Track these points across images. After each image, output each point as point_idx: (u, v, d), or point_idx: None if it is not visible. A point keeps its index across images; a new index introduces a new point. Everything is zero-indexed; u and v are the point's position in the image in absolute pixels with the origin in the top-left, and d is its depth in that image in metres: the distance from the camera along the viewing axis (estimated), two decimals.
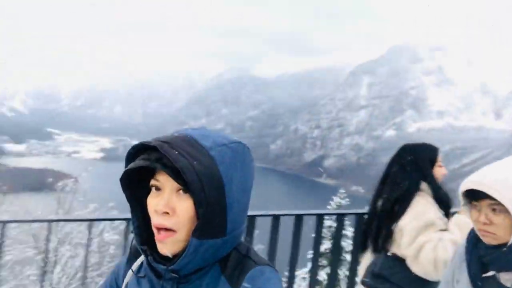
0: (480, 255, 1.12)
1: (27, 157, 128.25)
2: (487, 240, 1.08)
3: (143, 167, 0.72)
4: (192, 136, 0.74)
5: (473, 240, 1.16)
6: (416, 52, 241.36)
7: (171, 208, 0.71)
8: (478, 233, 1.11)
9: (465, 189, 1.10)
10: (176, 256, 0.74)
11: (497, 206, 1.02)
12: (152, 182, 0.75)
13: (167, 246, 0.73)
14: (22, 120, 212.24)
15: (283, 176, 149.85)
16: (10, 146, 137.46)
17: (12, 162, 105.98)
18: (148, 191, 0.76)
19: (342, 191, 14.73)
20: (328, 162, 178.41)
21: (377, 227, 1.86)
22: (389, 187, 1.86)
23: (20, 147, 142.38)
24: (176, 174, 0.69)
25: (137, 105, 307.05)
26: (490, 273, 1.10)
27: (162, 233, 0.72)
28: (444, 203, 1.80)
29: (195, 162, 0.68)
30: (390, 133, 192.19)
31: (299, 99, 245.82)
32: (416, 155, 1.86)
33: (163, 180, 0.73)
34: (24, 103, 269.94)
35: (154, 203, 0.74)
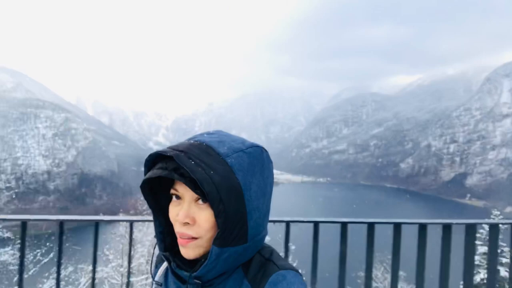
0: None
1: None
2: None
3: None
4: (208, 143, 0.73)
5: None
6: None
7: (192, 218, 0.72)
8: None
9: None
10: (199, 260, 0.75)
11: None
12: (172, 191, 0.75)
13: (189, 250, 0.73)
14: None
15: (418, 197, 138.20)
16: None
17: None
18: (169, 197, 0.77)
19: (496, 212, 12.31)
20: (471, 181, 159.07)
21: None
22: None
23: None
24: (194, 184, 0.69)
25: (260, 132, 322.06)
26: None
27: (185, 238, 0.73)
28: None
29: (212, 172, 0.67)
30: None
31: (427, 113, 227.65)
32: None
33: (182, 190, 0.73)
34: (166, 137, 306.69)
35: (174, 212, 0.75)
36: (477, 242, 2.60)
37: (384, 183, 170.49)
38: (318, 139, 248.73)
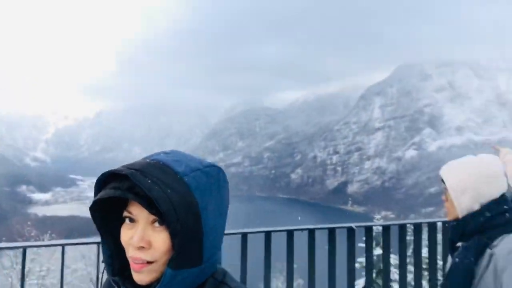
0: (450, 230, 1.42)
1: (54, 205, 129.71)
2: (448, 215, 1.45)
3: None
4: (165, 162, 0.71)
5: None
6: (424, 69, 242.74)
7: (147, 242, 0.68)
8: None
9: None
10: (152, 284, 0.71)
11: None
12: (125, 213, 0.71)
13: (143, 275, 0.70)
14: (46, 168, 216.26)
15: (307, 206, 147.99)
16: (37, 196, 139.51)
17: (41, 211, 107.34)
18: (120, 218, 0.73)
19: (378, 216, 14.54)
20: (351, 188, 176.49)
21: None
22: None
23: (46, 196, 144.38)
24: (150, 204, 0.66)
25: (155, 145, 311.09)
26: (458, 244, 1.39)
27: (139, 263, 0.69)
28: None
29: (169, 191, 0.65)
30: (411, 153, 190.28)
31: (313, 126, 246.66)
32: None
33: (136, 212, 0.70)
34: (46, 152, 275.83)
35: (128, 235, 0.70)
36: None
37: (278, 193, 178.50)
38: (214, 152, 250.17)
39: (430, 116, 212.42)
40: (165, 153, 0.74)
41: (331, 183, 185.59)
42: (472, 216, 1.35)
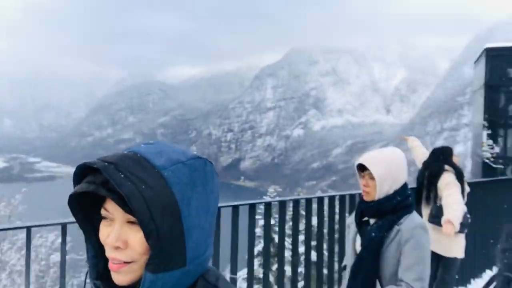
0: (361, 207, 1.80)
1: None
2: (366, 197, 1.74)
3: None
4: (143, 154, 0.64)
5: (360, 198, 1.86)
6: (312, 55, 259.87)
7: (123, 241, 0.62)
8: (362, 193, 1.76)
9: (357, 164, 1.78)
10: (135, 286, 0.65)
11: (372, 175, 1.68)
12: (102, 211, 0.65)
13: (121, 276, 0.64)
14: None
15: None
16: None
17: None
18: (100, 213, 0.67)
19: (271, 190, 16.10)
20: (244, 165, 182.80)
21: (427, 189, 3.24)
22: (430, 169, 3.28)
23: None
24: (124, 201, 0.59)
25: (30, 118, 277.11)
26: (365, 218, 1.79)
27: (116, 263, 0.63)
28: (459, 175, 3.17)
29: (143, 187, 0.59)
30: (298, 132, 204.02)
31: (208, 104, 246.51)
32: (443, 151, 3.39)
33: (112, 209, 0.63)
34: None
35: (105, 233, 0.64)
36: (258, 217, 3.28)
37: None
38: (102, 127, 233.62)
39: (315, 99, 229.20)
40: (147, 144, 0.68)
41: (225, 159, 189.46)
42: (387, 199, 1.66)
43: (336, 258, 3.16)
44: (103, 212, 0.65)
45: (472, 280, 4.47)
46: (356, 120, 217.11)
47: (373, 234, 1.67)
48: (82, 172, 0.65)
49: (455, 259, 3.23)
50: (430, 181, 3.26)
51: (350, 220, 1.92)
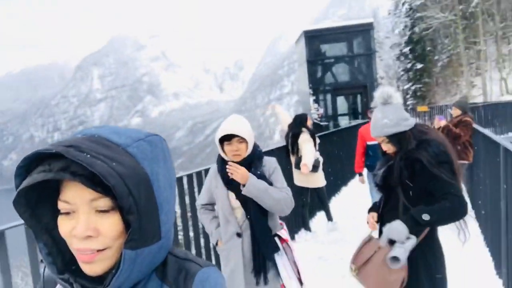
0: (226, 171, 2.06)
1: None
2: (237, 159, 2.03)
3: (40, 182, 0.56)
4: (101, 134, 0.60)
5: (224, 163, 2.09)
6: (137, 40, 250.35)
7: (94, 230, 0.58)
8: (232, 157, 2.02)
9: (221, 135, 2.00)
10: (107, 274, 0.61)
11: (242, 139, 1.98)
12: (60, 204, 0.59)
13: (96, 265, 0.60)
14: None
15: None
16: None
17: None
18: (53, 210, 0.61)
19: None
20: None
21: (292, 145, 4.54)
22: (292, 131, 4.57)
23: None
24: (93, 183, 0.55)
25: None
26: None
27: (88, 253, 0.59)
28: (312, 134, 4.55)
29: (114, 164, 0.56)
30: (136, 120, 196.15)
31: (24, 103, 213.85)
32: (301, 118, 4.69)
33: (74, 198, 0.58)
34: None
35: (68, 227, 0.59)
36: None
37: None
38: None
39: (149, 85, 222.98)
40: (97, 127, 0.63)
41: None
42: (254, 152, 2.06)
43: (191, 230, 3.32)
44: (61, 205, 0.59)
45: (339, 191, 7.11)
46: (193, 102, 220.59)
47: (258, 172, 2.03)
48: (28, 164, 0.57)
49: (322, 187, 4.86)
50: (293, 139, 4.58)
51: (212, 180, 2.19)
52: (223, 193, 2.10)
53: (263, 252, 2.03)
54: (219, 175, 2.09)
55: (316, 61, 14.93)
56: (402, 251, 1.79)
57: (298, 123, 4.65)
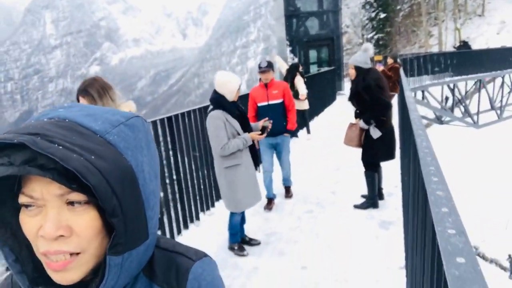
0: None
1: None
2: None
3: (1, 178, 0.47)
4: (73, 119, 0.49)
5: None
6: None
7: (66, 228, 0.48)
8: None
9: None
10: (85, 281, 0.52)
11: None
12: (22, 198, 0.48)
13: (71, 273, 0.50)
14: None
15: None
16: None
17: None
18: (12, 200, 0.51)
19: None
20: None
21: (291, 84, 7.07)
22: (290, 74, 7.23)
23: None
24: (67, 179, 0.45)
25: None
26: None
27: (60, 260, 0.48)
28: (302, 76, 7.52)
29: (92, 157, 0.46)
30: (95, 69, 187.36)
31: None
32: (296, 65, 7.38)
33: (41, 193, 0.48)
34: None
35: (34, 226, 0.48)
36: None
37: None
38: None
39: (107, 29, 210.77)
40: (65, 107, 0.53)
41: (11, 115, 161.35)
42: (220, 101, 3.05)
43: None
44: (23, 199, 0.48)
45: (322, 111, 10.86)
46: (154, 49, 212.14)
47: (242, 108, 3.21)
48: None
49: (307, 109, 7.78)
50: (292, 80, 7.12)
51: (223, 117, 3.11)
52: (234, 121, 3.10)
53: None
54: (227, 113, 3.05)
55: (292, 15, 16.33)
56: (371, 127, 3.86)
57: (293, 69, 7.22)
